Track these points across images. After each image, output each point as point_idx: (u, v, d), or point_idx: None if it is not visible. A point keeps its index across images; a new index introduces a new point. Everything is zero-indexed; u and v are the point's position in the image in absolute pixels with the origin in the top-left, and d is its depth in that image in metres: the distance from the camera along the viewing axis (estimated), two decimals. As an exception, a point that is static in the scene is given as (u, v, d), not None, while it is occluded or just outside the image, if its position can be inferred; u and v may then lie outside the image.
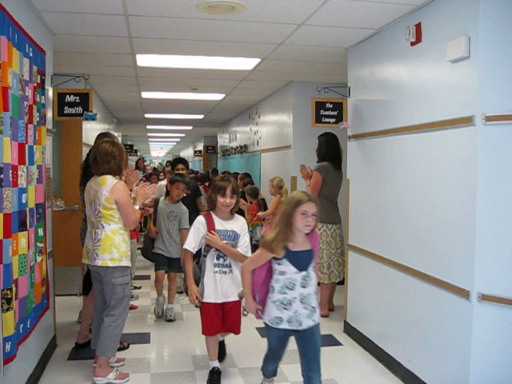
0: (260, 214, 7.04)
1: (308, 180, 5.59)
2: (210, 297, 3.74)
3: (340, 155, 5.62)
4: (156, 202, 5.59)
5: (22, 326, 3.24)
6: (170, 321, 5.42)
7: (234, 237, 3.74)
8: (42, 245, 3.84)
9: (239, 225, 3.80)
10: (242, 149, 10.85)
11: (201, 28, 4.49)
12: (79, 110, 5.38)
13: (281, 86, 7.60)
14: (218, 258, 3.74)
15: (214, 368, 3.91)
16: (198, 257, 3.81)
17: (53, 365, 4.21)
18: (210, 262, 3.74)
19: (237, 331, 3.88)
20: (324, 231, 5.48)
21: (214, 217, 3.75)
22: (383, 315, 4.36)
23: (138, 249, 6.19)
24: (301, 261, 3.05)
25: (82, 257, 3.99)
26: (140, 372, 4.12)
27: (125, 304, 3.91)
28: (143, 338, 4.91)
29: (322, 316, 5.55)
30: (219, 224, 3.72)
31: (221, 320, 3.80)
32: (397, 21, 4.10)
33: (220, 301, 3.75)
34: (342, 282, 5.47)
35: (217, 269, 3.73)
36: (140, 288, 6.82)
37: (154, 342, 4.86)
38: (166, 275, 5.59)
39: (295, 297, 3.04)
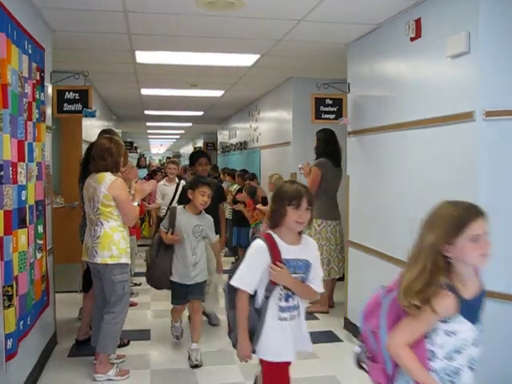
0: (259, 206, 6.97)
1: (309, 177, 5.59)
2: (283, 354, 2.65)
3: (339, 153, 5.59)
4: (172, 211, 4.26)
5: (22, 322, 3.24)
6: (196, 366, 4.14)
7: (306, 268, 2.66)
8: (41, 242, 3.84)
9: (311, 250, 2.73)
10: (242, 145, 10.85)
11: (200, 24, 4.49)
12: (79, 106, 5.39)
13: (280, 82, 7.58)
14: (286, 299, 2.63)
15: None
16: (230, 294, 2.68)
17: (53, 361, 4.22)
18: (274, 305, 2.60)
19: None
20: (324, 227, 5.48)
21: (278, 240, 2.61)
22: (383, 311, 4.36)
23: (140, 245, 6.10)
24: (476, 311, 2.00)
25: (82, 254, 3.99)
26: (140, 369, 4.13)
27: (125, 301, 3.91)
28: (143, 335, 4.92)
29: (322, 312, 5.57)
30: (286, 251, 2.60)
31: None
32: (396, 16, 4.09)
33: (293, 357, 2.67)
34: (341, 279, 5.47)
35: (286, 314, 2.63)
36: (140, 285, 6.81)
37: (154, 339, 4.86)
38: (188, 305, 4.47)
39: (463, 364, 1.96)
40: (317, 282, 2.69)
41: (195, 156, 5.36)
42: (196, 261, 4.17)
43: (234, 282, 2.61)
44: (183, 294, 4.23)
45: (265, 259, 2.57)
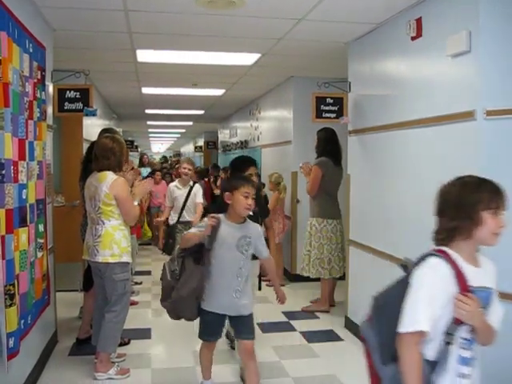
0: None
1: (309, 177, 5.59)
2: None
3: (339, 151, 5.60)
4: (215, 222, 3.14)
5: (22, 321, 3.24)
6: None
7: (488, 300, 1.92)
8: (42, 240, 3.85)
9: (492, 274, 1.99)
10: (243, 144, 10.85)
11: (200, 23, 4.48)
12: (79, 105, 5.40)
13: (281, 81, 7.58)
14: (468, 347, 1.88)
15: None
16: None
17: (54, 360, 4.22)
18: (454, 354, 1.85)
19: None
20: (324, 226, 5.48)
21: (459, 260, 1.87)
22: (384, 310, 4.36)
23: (141, 243, 6.09)
24: None
25: (83, 253, 4.00)
26: (141, 367, 4.13)
27: (126, 300, 3.92)
28: (144, 334, 4.92)
29: (323, 311, 5.57)
30: (471, 276, 1.86)
31: None
32: (397, 15, 4.09)
33: None
34: (342, 277, 5.47)
35: (467, 369, 1.86)
36: (141, 283, 6.83)
37: (155, 338, 4.87)
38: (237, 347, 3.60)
39: None
40: (496, 319, 1.94)
41: (243, 163, 4.19)
42: (242, 285, 3.18)
43: (407, 328, 1.80)
44: (219, 327, 3.32)
45: (449, 288, 1.81)
